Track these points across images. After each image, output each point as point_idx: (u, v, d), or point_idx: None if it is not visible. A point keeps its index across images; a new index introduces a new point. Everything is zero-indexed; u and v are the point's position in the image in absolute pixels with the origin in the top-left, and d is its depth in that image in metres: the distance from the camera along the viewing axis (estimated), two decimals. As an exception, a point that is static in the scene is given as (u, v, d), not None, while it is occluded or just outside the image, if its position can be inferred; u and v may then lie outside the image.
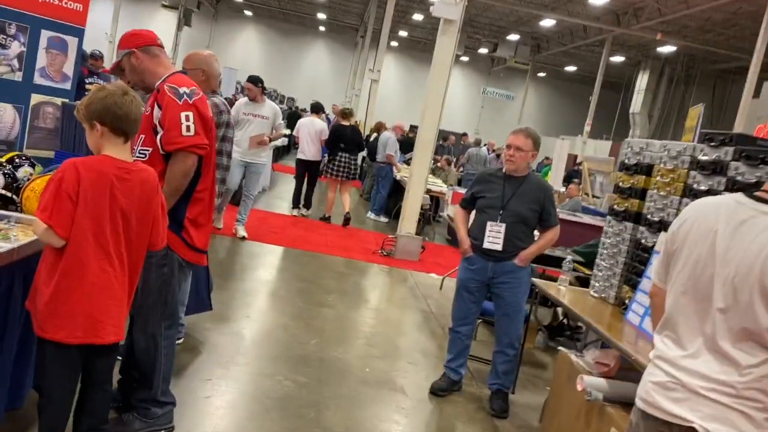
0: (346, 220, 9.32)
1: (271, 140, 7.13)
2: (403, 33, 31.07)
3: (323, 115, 10.29)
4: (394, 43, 32.40)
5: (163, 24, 30.62)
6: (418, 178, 8.02)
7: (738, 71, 25.46)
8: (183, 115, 2.77)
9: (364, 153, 11.21)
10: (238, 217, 7.20)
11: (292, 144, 14.96)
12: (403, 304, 6.08)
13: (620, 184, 4.18)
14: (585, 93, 32.40)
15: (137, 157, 2.88)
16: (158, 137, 2.79)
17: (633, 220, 3.99)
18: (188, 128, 2.78)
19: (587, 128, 23.99)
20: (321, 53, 33.92)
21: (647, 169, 3.92)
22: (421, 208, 8.20)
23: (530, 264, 4.08)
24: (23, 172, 3.33)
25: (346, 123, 9.71)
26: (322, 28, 33.46)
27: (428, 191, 8.99)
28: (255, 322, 4.79)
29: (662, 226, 3.59)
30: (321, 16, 30.93)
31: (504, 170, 3.99)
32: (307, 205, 9.63)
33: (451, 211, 6.96)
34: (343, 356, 4.38)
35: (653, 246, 3.62)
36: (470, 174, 13.77)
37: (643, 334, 3.26)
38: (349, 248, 7.98)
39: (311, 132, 9.31)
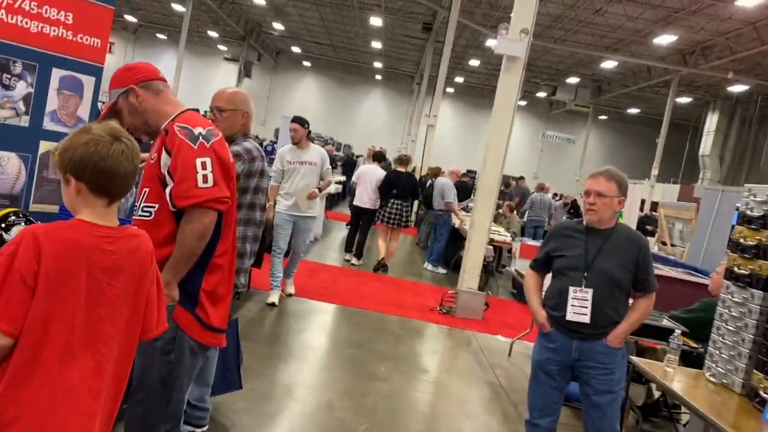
0: (380, 266, 8.97)
1: (320, 190, 6.31)
2: (459, 79, 30.72)
3: (383, 163, 9.94)
4: (450, 89, 32.07)
5: (225, 76, 31.31)
6: (480, 228, 7.26)
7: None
8: (199, 161, 2.16)
9: (419, 199, 10.50)
10: (286, 271, 6.41)
11: (347, 191, 14.45)
12: (468, 375, 5.26)
13: (741, 240, 3.33)
14: (649, 135, 31.07)
15: (140, 216, 2.27)
16: (167, 190, 2.18)
17: (763, 288, 3.13)
18: (205, 178, 2.16)
19: (654, 172, 22.72)
20: (377, 101, 33.89)
21: (780, 223, 3.08)
22: (484, 260, 7.41)
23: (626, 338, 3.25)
24: (17, 231, 2.79)
25: (401, 169, 9.32)
26: (378, 77, 33.51)
27: (491, 241, 8.20)
28: (296, 401, 4.08)
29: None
30: (377, 65, 30.98)
31: (585, 222, 3.22)
32: (359, 255, 9.26)
33: (519, 266, 6.16)
34: (397, 448, 3.61)
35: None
36: (533, 221, 12.89)
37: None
38: (404, 305, 7.24)
39: (372, 180, 9.12)
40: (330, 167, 6.35)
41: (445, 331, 6.54)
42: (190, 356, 2.30)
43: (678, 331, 3.50)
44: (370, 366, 4.95)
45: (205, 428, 3.29)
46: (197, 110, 2.45)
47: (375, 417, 4.00)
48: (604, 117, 32.72)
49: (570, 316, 3.07)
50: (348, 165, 17.73)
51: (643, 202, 20.79)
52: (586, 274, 3.08)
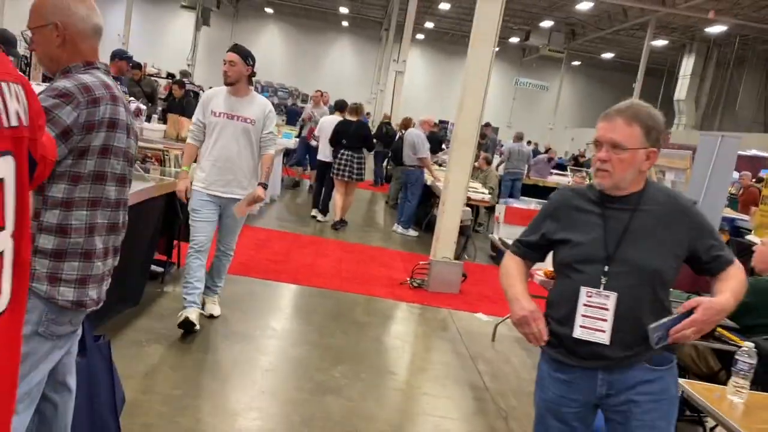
0: (337, 224, 8.37)
1: (265, 185, 4.10)
2: (429, 24, 29.05)
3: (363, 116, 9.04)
4: (420, 36, 30.44)
5: (182, 24, 29.14)
6: (456, 187, 6.08)
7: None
8: None
9: (371, 150, 9.34)
10: (208, 283, 4.19)
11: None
12: (445, 375, 4.16)
13: None
14: (623, 81, 29.93)
15: None
16: None
17: None
18: None
19: (631, 118, 21.66)
20: (345, 49, 32.10)
21: None
22: (461, 224, 6.27)
23: (671, 355, 2.08)
24: None
25: (352, 118, 8.41)
26: (345, 23, 31.64)
27: (467, 200, 7.04)
28: (211, 440, 2.93)
29: None
30: (344, 10, 29.11)
31: (597, 187, 1.99)
32: (324, 211, 8.79)
33: (504, 233, 5.03)
34: None
35: None
36: (511, 173, 11.74)
37: None
38: (369, 279, 6.10)
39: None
40: (274, 131, 4.19)
41: (417, 311, 5.43)
42: None
43: (749, 344, 2.38)
44: (321, 371, 3.81)
45: None
46: None
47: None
48: (577, 63, 31.45)
49: (578, 333, 1.92)
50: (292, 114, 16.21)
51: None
52: (606, 268, 1.90)
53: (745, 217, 9.93)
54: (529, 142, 16.96)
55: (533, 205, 5.14)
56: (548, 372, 2.07)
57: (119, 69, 7.30)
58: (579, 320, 1.92)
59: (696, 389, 2.41)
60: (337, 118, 8.87)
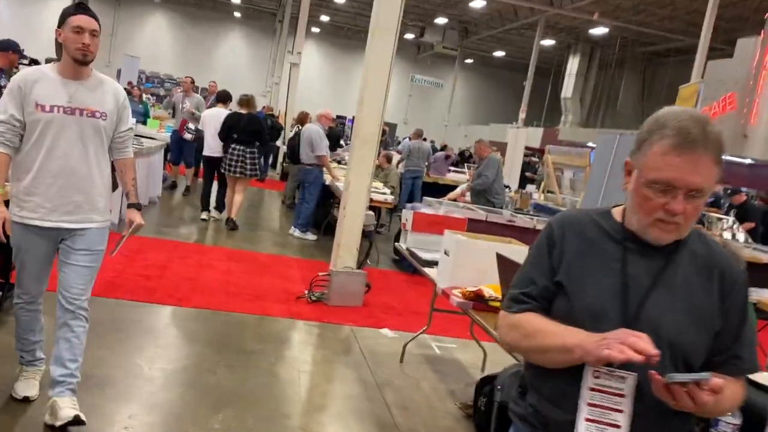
0: (229, 224, 7.75)
1: (139, 207, 2.92)
2: (324, 18, 28.29)
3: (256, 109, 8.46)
4: (315, 29, 29.61)
5: (57, 10, 26.53)
6: (358, 190, 5.46)
7: (667, 53, 24.20)
8: None
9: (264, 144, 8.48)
10: (56, 372, 2.75)
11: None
12: (350, 411, 3.53)
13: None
14: (514, 79, 30.63)
15: None
16: None
17: None
18: None
19: (522, 115, 22.06)
20: (237, 41, 30.62)
21: None
22: (363, 229, 5.66)
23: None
24: None
25: (243, 111, 7.75)
26: (237, 14, 30.17)
27: (370, 202, 6.45)
28: None
29: None
30: (235, 0, 27.72)
31: (624, 224, 1.40)
32: (219, 208, 8.16)
33: (412, 242, 4.43)
34: None
35: None
36: (411, 171, 11.31)
37: None
38: (262, 293, 5.35)
39: (217, 125, 7.75)
40: (131, 123, 3.10)
41: (316, 330, 4.76)
42: None
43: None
44: (198, 422, 3.06)
45: None
46: None
47: None
48: (470, 60, 31.85)
49: (584, 429, 1.36)
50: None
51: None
52: None
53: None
54: (425, 140, 16.71)
55: (442, 209, 4.61)
56: None
57: (11, 62, 5.89)
58: (584, 411, 1.32)
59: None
60: (220, 110, 8.21)
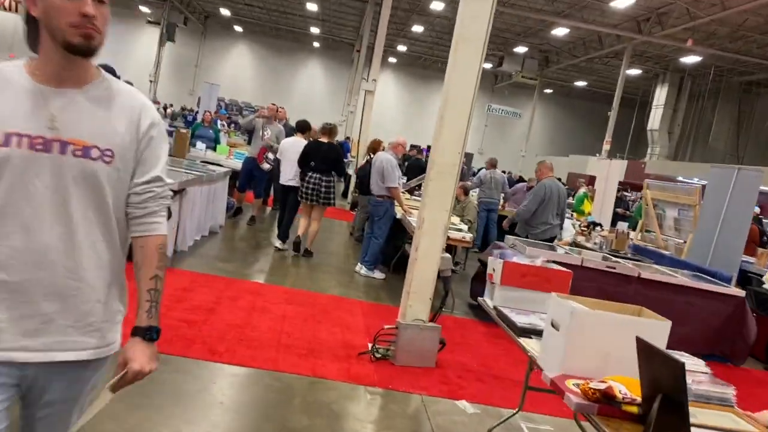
0: (300, 249, 7.57)
1: (135, 378, 1.57)
2: (402, 48, 27.89)
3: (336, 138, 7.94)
4: (392, 59, 29.28)
5: (148, 40, 27.43)
6: (434, 229, 4.57)
7: (767, 83, 22.19)
8: None
9: (350, 173, 8.01)
10: None
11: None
12: None
13: None
14: (595, 109, 29.09)
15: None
16: None
17: None
18: None
19: (606, 147, 20.60)
20: (316, 70, 30.72)
21: None
22: (439, 274, 4.76)
23: None
24: None
25: (323, 139, 7.40)
26: (316, 44, 30.31)
27: (447, 240, 5.52)
28: None
29: None
30: (314, 30, 27.80)
31: None
32: (283, 238, 7.82)
33: (499, 298, 3.49)
34: None
35: None
36: (485, 203, 10.33)
37: None
38: (319, 347, 4.51)
39: (296, 154, 7.59)
40: (163, 175, 1.58)
41: (379, 400, 3.86)
42: None
43: None
44: None
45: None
46: None
47: None
48: (550, 90, 30.57)
49: None
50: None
51: (594, 179, 18.66)
52: None
53: (750, 258, 8.61)
54: (503, 171, 15.67)
55: (539, 260, 3.65)
56: None
57: None
58: None
59: None
60: (299, 139, 7.98)
